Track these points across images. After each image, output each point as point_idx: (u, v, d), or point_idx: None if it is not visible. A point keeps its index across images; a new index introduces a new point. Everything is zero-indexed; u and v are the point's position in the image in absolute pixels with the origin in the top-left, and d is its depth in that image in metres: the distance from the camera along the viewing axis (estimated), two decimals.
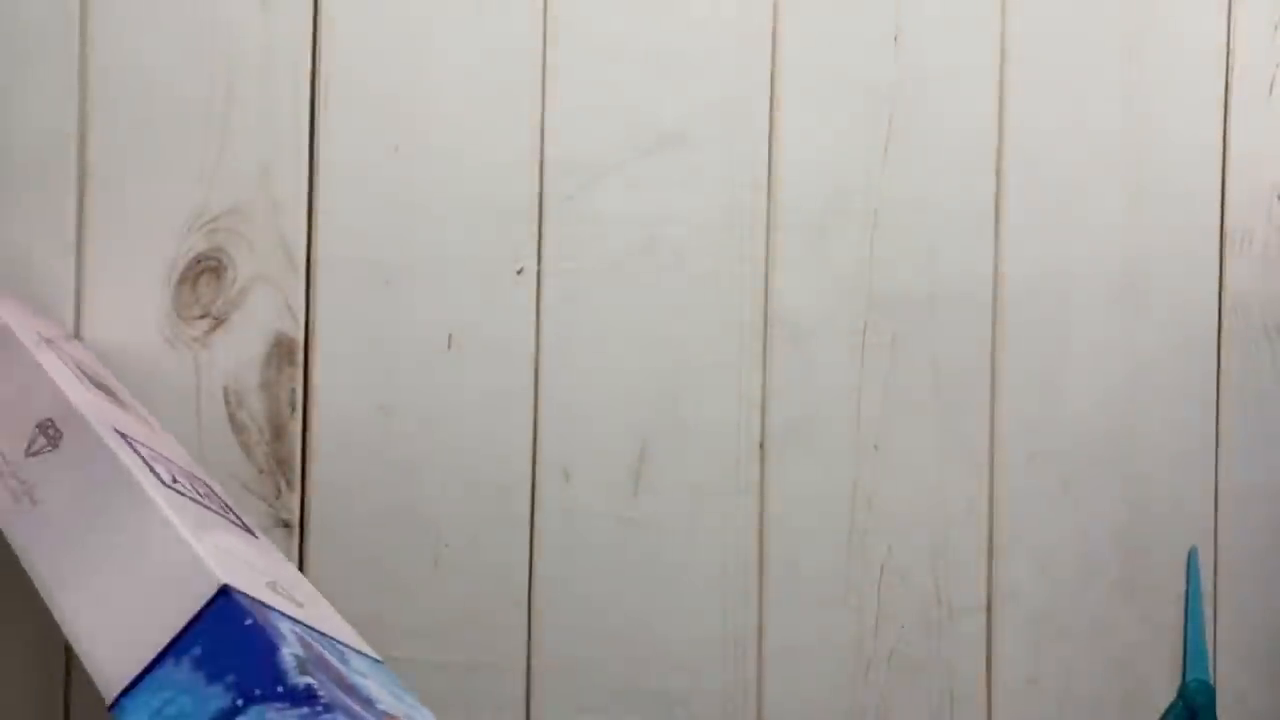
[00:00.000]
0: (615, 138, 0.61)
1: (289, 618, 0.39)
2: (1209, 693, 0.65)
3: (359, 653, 0.43)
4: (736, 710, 0.61)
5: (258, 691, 0.35)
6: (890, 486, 0.63)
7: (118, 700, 0.37)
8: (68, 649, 0.56)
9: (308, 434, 0.58)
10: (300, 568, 0.57)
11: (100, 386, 0.51)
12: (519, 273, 0.60)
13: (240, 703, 0.35)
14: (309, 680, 0.35)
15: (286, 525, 0.57)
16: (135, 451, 0.44)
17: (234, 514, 0.48)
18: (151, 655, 0.37)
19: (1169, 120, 0.66)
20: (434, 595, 0.59)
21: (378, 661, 0.44)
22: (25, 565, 0.41)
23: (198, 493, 0.46)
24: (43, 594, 0.40)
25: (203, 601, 0.37)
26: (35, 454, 0.44)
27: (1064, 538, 0.64)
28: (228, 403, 0.57)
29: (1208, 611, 0.66)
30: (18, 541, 0.42)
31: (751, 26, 0.62)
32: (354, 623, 0.45)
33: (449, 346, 0.59)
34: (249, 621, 0.36)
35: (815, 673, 0.62)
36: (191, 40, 0.57)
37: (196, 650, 0.36)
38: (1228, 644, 0.66)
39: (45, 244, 0.56)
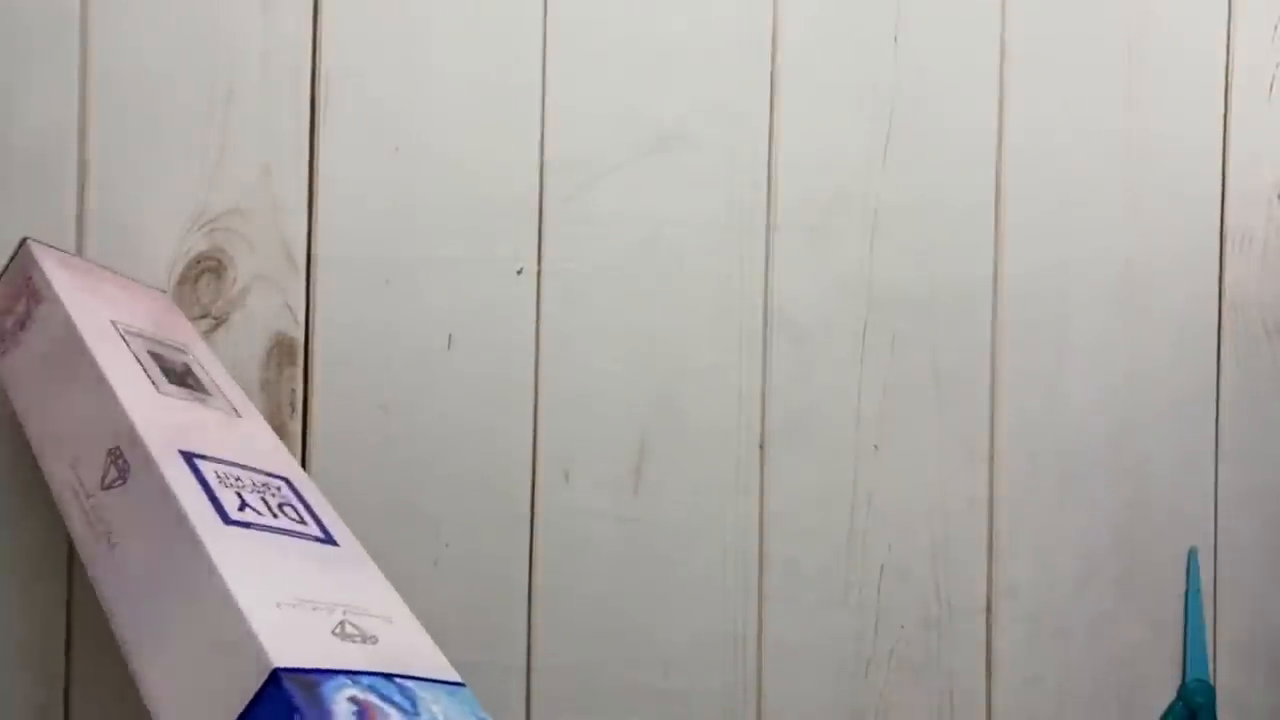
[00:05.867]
0: (615, 138, 0.61)
1: (350, 674, 0.39)
2: (1209, 693, 0.65)
3: (433, 681, 0.42)
4: (736, 710, 0.61)
5: None
6: (890, 486, 0.63)
7: None
8: (67, 650, 0.56)
9: (308, 434, 0.58)
10: None
11: (179, 373, 0.50)
12: (519, 273, 0.60)
13: None
14: None
15: None
16: (201, 479, 0.43)
17: (313, 515, 0.47)
18: None
19: (1169, 120, 0.66)
20: (434, 595, 0.59)
21: (457, 685, 0.43)
22: (105, 609, 0.41)
23: (273, 508, 0.46)
24: (122, 649, 0.40)
25: (258, 685, 0.37)
26: (109, 487, 0.43)
27: (1064, 537, 0.64)
28: None
29: (1208, 611, 0.66)
30: (100, 586, 0.42)
31: (751, 26, 0.62)
32: None
33: (449, 346, 0.59)
34: (295, 718, 0.37)
35: (815, 672, 0.62)
36: (191, 40, 0.57)
37: None
38: (1228, 644, 0.66)
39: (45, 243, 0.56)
